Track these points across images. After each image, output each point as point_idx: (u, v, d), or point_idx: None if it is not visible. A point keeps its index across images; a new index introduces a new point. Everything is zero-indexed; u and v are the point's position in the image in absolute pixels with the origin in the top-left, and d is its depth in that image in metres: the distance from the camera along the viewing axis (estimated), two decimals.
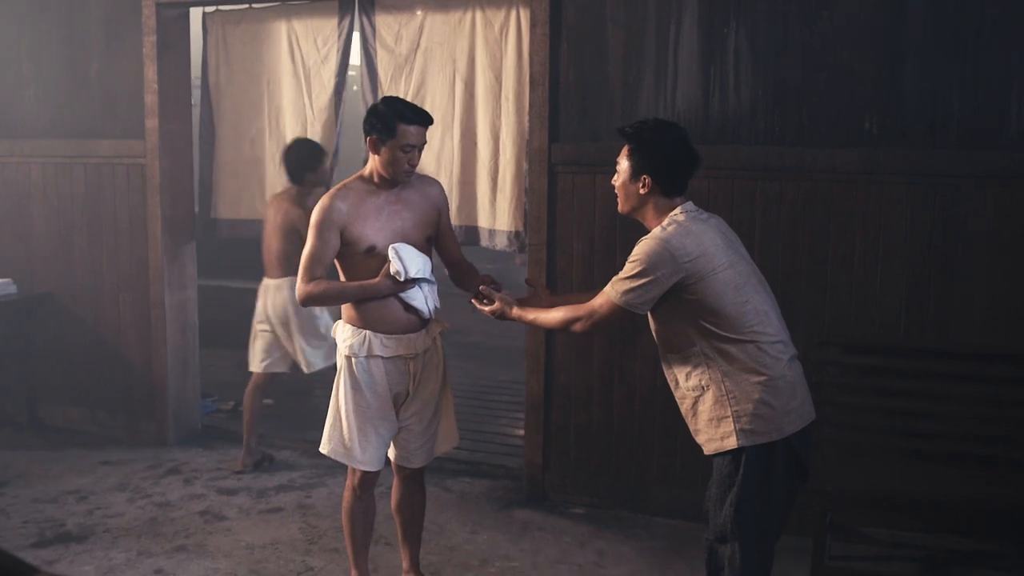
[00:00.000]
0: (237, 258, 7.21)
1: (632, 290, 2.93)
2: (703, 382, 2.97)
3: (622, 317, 3.03)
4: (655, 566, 4.04)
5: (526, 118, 4.69)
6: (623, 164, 3.08)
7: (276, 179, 5.28)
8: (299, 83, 5.24)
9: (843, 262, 4.17)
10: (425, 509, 3.80)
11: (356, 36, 5.12)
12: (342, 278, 3.49)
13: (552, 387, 4.71)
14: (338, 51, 5.13)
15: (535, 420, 4.75)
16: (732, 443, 2.92)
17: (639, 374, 4.55)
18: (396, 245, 3.37)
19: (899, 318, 4.11)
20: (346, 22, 5.09)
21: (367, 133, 3.37)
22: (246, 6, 5.30)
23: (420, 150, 3.40)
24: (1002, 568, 3.92)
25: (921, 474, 3.74)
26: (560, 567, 4.01)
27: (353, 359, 3.47)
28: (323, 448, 3.59)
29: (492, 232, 4.91)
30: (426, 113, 3.38)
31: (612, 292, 2.97)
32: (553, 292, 3.85)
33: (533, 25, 4.53)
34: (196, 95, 5.83)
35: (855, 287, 4.16)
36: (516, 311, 3.28)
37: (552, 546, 4.21)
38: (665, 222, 2.99)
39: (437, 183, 3.66)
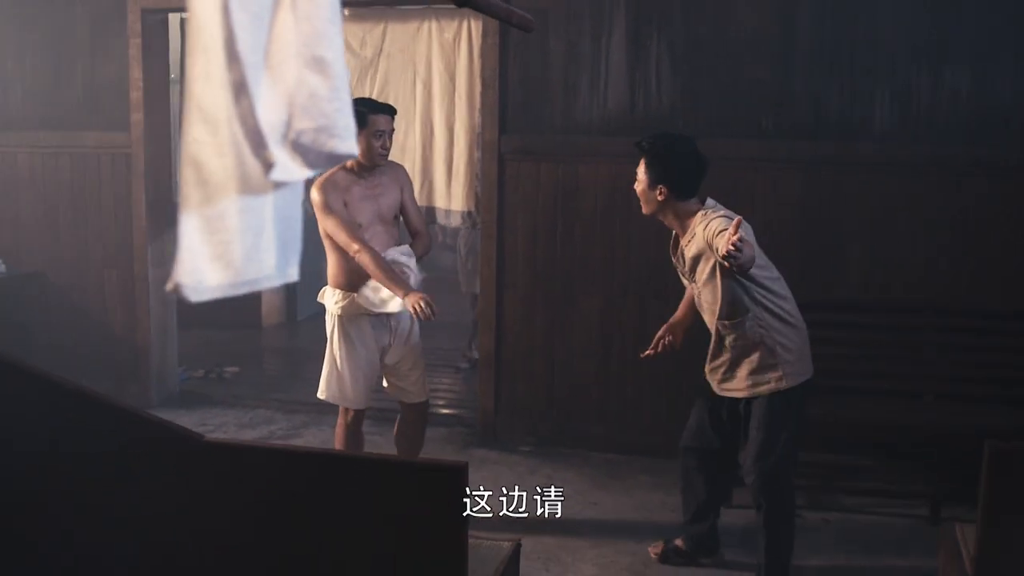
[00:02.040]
0: None
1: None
2: (753, 341, 3.61)
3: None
4: (595, 485, 4.95)
5: (477, 114, 5.54)
6: (641, 174, 3.69)
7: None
8: None
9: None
10: (422, 443, 4.55)
11: None
12: (330, 251, 4.23)
13: (502, 344, 5.57)
14: None
15: (488, 373, 5.61)
16: (784, 384, 3.61)
17: (577, 332, 5.43)
18: (400, 257, 4.19)
19: (796, 278, 5.08)
20: None
21: None
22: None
23: (390, 136, 4.17)
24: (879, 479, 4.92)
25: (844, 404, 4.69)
26: (519, 484, 4.87)
27: (345, 318, 4.24)
28: (320, 394, 4.36)
29: (448, 212, 5.75)
30: (390, 106, 4.23)
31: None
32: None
33: (484, 35, 5.38)
34: (173, 91, 6.51)
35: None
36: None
37: (507, 474, 5.06)
38: (701, 216, 3.60)
39: (401, 167, 4.44)
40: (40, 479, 2.63)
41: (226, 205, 2.11)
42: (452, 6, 3.90)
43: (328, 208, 4.12)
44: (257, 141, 2.09)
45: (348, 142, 2.23)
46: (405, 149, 5.77)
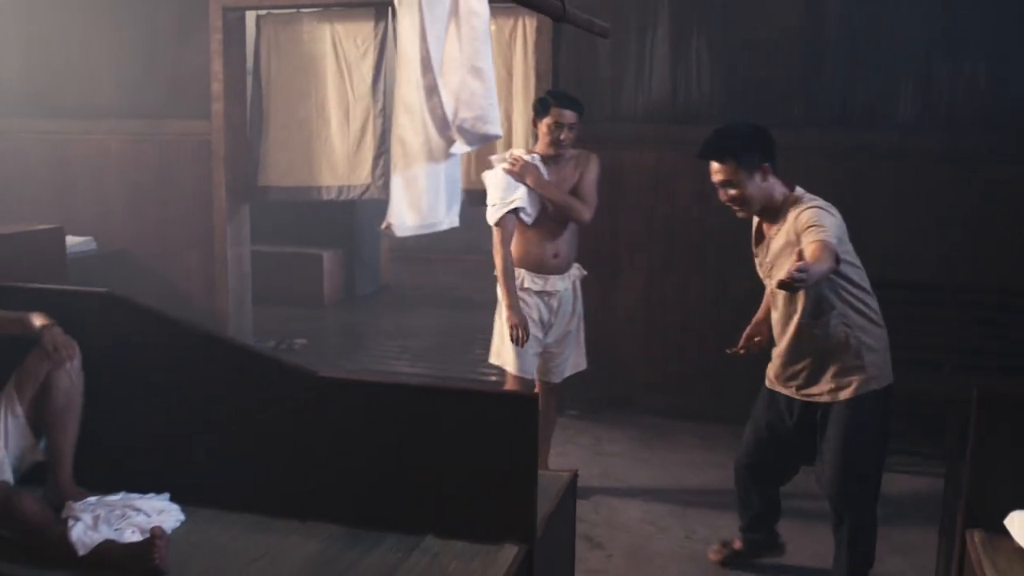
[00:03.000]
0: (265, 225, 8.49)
1: (835, 237, 3.23)
2: (838, 341, 3.41)
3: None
4: (641, 444, 5.46)
5: (531, 104, 6.04)
6: (730, 173, 3.45)
7: (321, 154, 6.57)
8: (341, 75, 6.53)
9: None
10: (555, 421, 4.86)
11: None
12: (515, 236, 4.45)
13: None
14: (375, 49, 6.44)
15: None
16: (870, 387, 3.44)
17: (622, 305, 5.94)
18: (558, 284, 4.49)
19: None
20: (381, 25, 6.39)
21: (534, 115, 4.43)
22: (294, 10, 6.57)
23: (571, 129, 4.35)
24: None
25: None
26: (568, 446, 5.40)
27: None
28: (491, 359, 4.64)
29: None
30: (576, 101, 4.40)
31: (819, 236, 3.19)
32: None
33: (539, 32, 5.89)
34: (249, 83, 7.07)
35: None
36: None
37: (559, 434, 5.58)
38: (793, 201, 3.44)
39: (592, 156, 4.55)
40: (174, 408, 3.20)
41: (418, 170, 3.13)
42: (510, 4, 4.46)
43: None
44: (443, 126, 3.11)
45: (495, 127, 3.56)
46: None
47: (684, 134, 5.60)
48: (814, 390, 3.54)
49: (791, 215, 3.40)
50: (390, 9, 6.33)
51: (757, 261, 3.65)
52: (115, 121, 6.88)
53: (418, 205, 2.98)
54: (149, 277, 6.94)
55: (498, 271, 4.37)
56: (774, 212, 3.50)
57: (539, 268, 4.48)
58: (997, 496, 3.10)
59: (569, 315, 4.59)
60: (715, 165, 3.50)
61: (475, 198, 6.28)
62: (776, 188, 3.52)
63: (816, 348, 3.48)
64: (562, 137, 4.37)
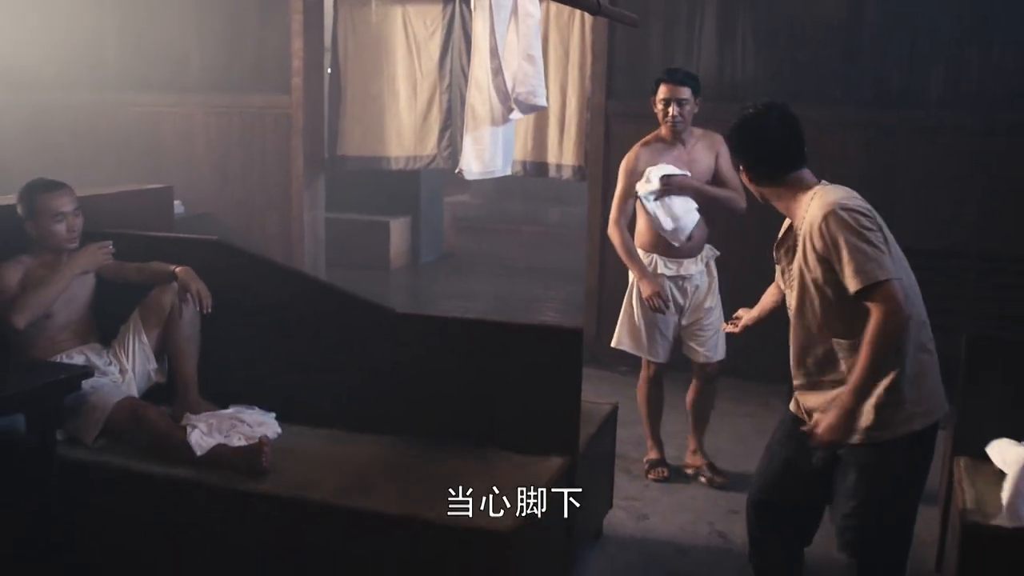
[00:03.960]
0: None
1: (879, 256, 2.73)
2: (889, 365, 2.81)
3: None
4: (679, 396, 5.95)
5: (587, 81, 6.57)
6: (691, 97, 3.73)
7: (391, 126, 7.17)
8: (411, 54, 7.11)
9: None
10: (713, 405, 4.87)
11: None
12: (639, 212, 4.51)
13: (604, 281, 6.62)
14: (442, 30, 7.00)
15: (591, 305, 6.68)
16: (908, 429, 2.85)
17: None
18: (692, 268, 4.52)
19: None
20: (449, 8, 6.95)
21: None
22: None
23: (680, 104, 4.35)
24: None
25: None
26: (614, 396, 5.94)
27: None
28: (614, 343, 4.78)
29: (559, 166, 6.81)
30: (678, 71, 4.45)
31: (870, 276, 2.69)
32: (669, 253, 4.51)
33: (595, 16, 6.40)
34: (325, 59, 7.68)
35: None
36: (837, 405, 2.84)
37: (608, 386, 6.12)
38: (814, 193, 2.90)
39: (717, 136, 4.48)
40: (274, 339, 3.82)
41: (484, 131, 4.08)
42: None
43: (623, 174, 4.51)
44: (504, 98, 4.10)
45: (543, 100, 4.43)
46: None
47: (731, 112, 6.09)
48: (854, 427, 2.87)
49: (810, 216, 2.87)
50: None
51: (778, 264, 3.15)
52: (203, 95, 7.53)
53: (482, 157, 3.69)
54: (232, 238, 7.56)
55: (619, 250, 4.49)
56: (795, 209, 2.98)
57: (672, 252, 4.52)
58: (982, 428, 3.61)
59: (705, 294, 4.60)
60: None
61: (533, 169, 6.85)
62: (783, 186, 3.00)
63: (845, 374, 2.88)
64: (672, 113, 4.38)
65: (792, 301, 3.03)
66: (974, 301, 5.79)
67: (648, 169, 4.43)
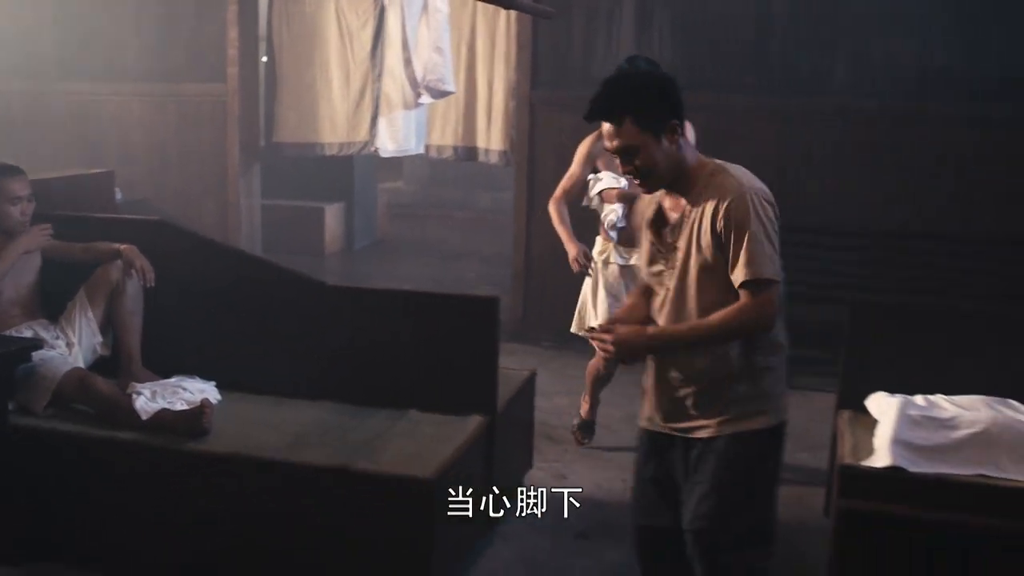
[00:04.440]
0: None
1: (774, 256, 2.66)
2: (742, 359, 2.74)
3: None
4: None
5: (512, 70, 6.90)
6: (633, 138, 2.65)
7: (325, 114, 7.45)
8: (344, 44, 7.38)
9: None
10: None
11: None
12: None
13: (530, 262, 6.97)
14: (374, 20, 7.26)
15: (518, 285, 7.03)
16: (768, 421, 2.78)
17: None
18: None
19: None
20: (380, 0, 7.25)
21: None
22: None
23: None
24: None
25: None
26: (540, 368, 6.31)
27: (600, 263, 4.89)
28: (574, 329, 5.09)
29: (487, 151, 7.14)
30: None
31: (763, 272, 2.60)
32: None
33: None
34: (260, 48, 7.92)
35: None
36: (652, 331, 2.77)
37: (533, 358, 6.48)
38: (711, 170, 2.73)
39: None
40: (213, 312, 4.11)
41: (396, 114, 4.54)
42: None
43: (575, 158, 4.94)
44: (414, 85, 4.52)
45: (451, 86, 5.26)
46: (450, 100, 7.17)
47: None
48: (698, 422, 2.81)
49: (712, 192, 2.68)
50: None
51: (649, 249, 2.88)
52: (139, 84, 7.74)
53: (396, 137, 4.04)
54: None
55: (553, 221, 4.90)
56: (684, 184, 2.74)
57: (625, 243, 4.80)
58: (863, 384, 4.01)
59: None
60: (609, 128, 2.70)
61: (464, 153, 7.17)
62: (688, 153, 2.76)
63: (711, 369, 2.76)
64: None
65: (670, 284, 2.78)
66: (875, 276, 6.22)
67: (590, 178, 4.87)
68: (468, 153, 7.22)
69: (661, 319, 2.82)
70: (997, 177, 6.11)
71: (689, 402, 2.83)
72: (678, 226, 2.77)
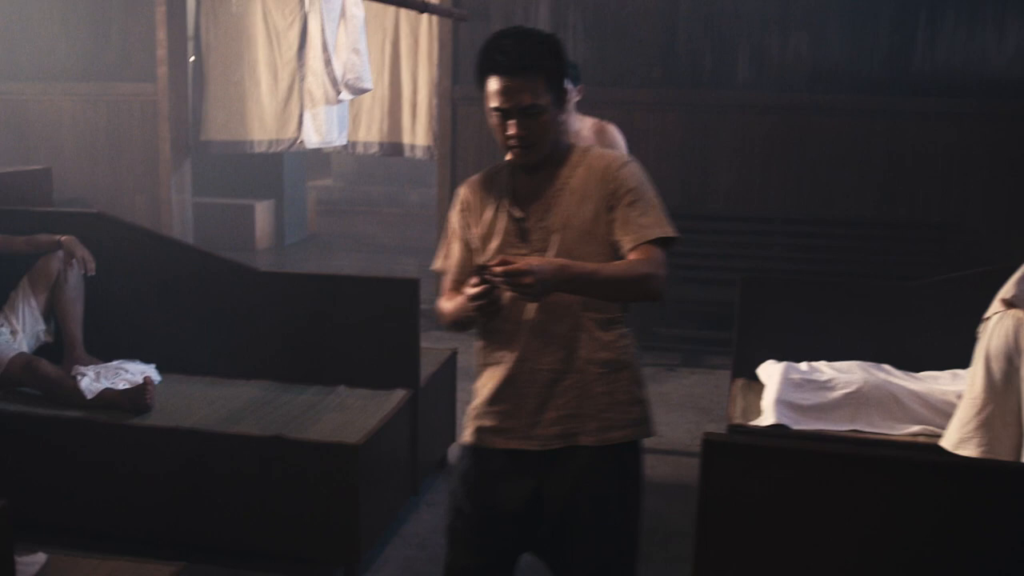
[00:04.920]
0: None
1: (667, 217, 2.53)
2: (623, 354, 2.56)
3: None
4: None
5: (435, 68, 7.24)
6: (542, 98, 2.42)
7: (254, 112, 7.71)
8: (271, 43, 7.64)
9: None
10: None
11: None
12: None
13: None
14: (300, 20, 7.55)
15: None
16: (647, 431, 2.61)
17: None
18: None
19: (677, 197, 6.80)
20: (306, 0, 7.53)
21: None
22: None
23: None
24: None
25: (684, 283, 6.50)
26: (463, 351, 6.65)
27: None
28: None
29: (413, 146, 7.46)
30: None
31: (660, 230, 2.48)
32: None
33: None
34: (189, 48, 8.15)
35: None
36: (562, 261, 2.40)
37: (457, 343, 6.81)
38: (586, 146, 2.65)
39: (609, 125, 4.50)
40: (151, 299, 4.39)
41: (319, 109, 4.84)
42: None
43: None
44: (334, 83, 4.75)
45: (368, 83, 5.41)
46: (375, 97, 7.48)
47: None
48: (575, 427, 2.54)
49: (595, 162, 2.56)
50: None
51: (501, 237, 2.57)
52: (70, 84, 7.93)
53: (320, 130, 4.37)
54: None
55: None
56: (558, 159, 2.57)
57: None
58: (754, 354, 4.41)
59: None
60: (512, 83, 2.41)
61: (390, 149, 7.49)
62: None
63: (589, 364, 2.53)
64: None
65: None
66: (779, 258, 6.66)
67: None
68: (393, 149, 7.54)
69: (524, 311, 2.51)
70: (881, 166, 6.59)
71: (574, 400, 2.55)
72: (548, 204, 2.54)
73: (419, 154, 7.48)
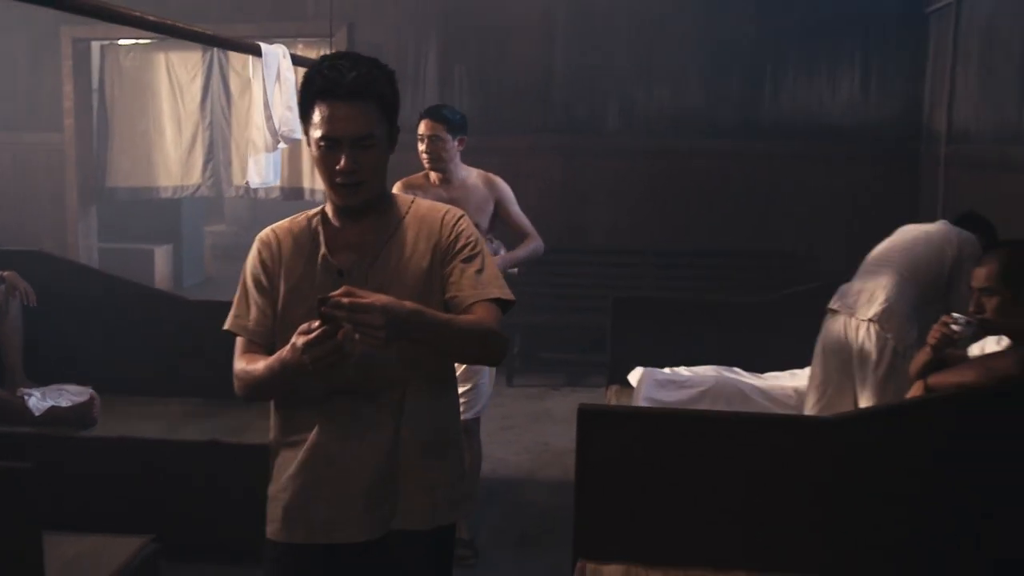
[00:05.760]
0: None
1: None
2: (452, 426, 2.40)
3: None
4: None
5: None
6: (375, 128, 2.23)
7: (158, 160, 8.20)
8: (174, 95, 8.17)
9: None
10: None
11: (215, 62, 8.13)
12: None
13: None
14: (203, 74, 8.11)
15: None
16: (471, 508, 2.53)
17: None
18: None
19: (558, 232, 7.54)
20: (208, 55, 8.08)
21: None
22: (134, 41, 8.18)
23: (431, 140, 4.37)
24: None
25: (566, 311, 7.22)
26: None
27: None
28: None
29: (312, 190, 8.05)
30: (432, 110, 4.45)
31: (499, 291, 2.30)
32: None
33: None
34: (94, 99, 8.61)
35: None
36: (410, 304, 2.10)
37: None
38: (412, 198, 2.44)
39: (495, 182, 4.63)
40: (86, 328, 4.90)
41: (260, 156, 5.19)
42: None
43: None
44: (274, 134, 5.20)
45: (300, 134, 5.63)
46: (235, 139, 8.02)
47: None
48: (421, 502, 2.32)
49: (425, 214, 2.38)
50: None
51: (291, 285, 2.35)
52: None
53: (261, 173, 5.00)
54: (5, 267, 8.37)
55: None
56: (383, 209, 2.36)
57: None
58: (625, 363, 5.13)
59: None
60: (347, 109, 2.20)
61: (291, 194, 8.07)
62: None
63: (434, 425, 2.35)
64: (423, 149, 4.42)
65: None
66: (650, 287, 7.44)
67: None
68: (295, 193, 8.12)
69: (338, 372, 2.11)
70: (736, 201, 7.46)
71: (399, 481, 2.29)
72: (374, 256, 2.31)
73: (319, 197, 8.07)
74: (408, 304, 2.09)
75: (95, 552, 3.35)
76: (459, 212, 2.41)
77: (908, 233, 4.14)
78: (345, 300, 1.98)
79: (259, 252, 2.39)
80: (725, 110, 7.43)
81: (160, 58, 8.18)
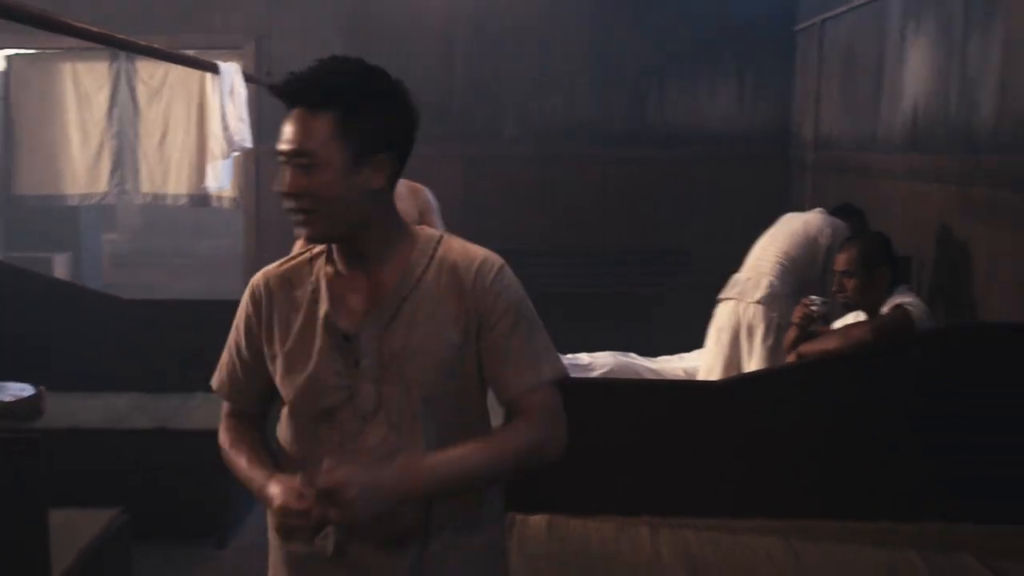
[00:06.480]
0: None
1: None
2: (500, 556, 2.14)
3: None
4: None
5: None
6: (319, 144, 1.88)
7: (65, 168, 8.42)
8: (80, 104, 8.40)
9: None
10: None
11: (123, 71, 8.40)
12: None
13: None
14: (110, 84, 8.36)
15: None
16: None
17: None
18: None
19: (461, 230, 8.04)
20: (116, 63, 8.34)
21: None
22: (40, 50, 8.39)
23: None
24: None
25: None
26: None
27: None
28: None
29: (220, 198, 8.37)
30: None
31: (552, 368, 1.98)
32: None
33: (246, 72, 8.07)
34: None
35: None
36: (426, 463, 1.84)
37: None
38: (440, 234, 2.05)
39: (423, 189, 5.17)
40: (29, 326, 5.22)
41: (217, 162, 5.75)
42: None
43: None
44: (230, 142, 5.71)
45: (249, 143, 6.10)
46: (183, 152, 8.32)
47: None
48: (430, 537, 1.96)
49: (449, 257, 2.01)
50: (122, 53, 8.32)
51: (288, 348, 1.99)
52: None
53: (217, 177, 5.42)
54: None
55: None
56: (393, 248, 1.99)
57: None
58: None
59: None
60: (295, 117, 1.96)
61: (199, 200, 8.39)
62: (395, 211, 2.05)
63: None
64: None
65: (367, 406, 1.92)
66: (550, 284, 7.97)
67: None
68: (203, 200, 8.41)
69: (343, 462, 1.79)
70: (626, 203, 8.08)
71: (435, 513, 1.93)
72: (389, 315, 1.93)
73: (226, 204, 8.38)
74: (387, 477, 1.75)
75: (67, 525, 3.71)
76: (498, 261, 2.00)
77: (788, 224, 4.83)
78: (322, 482, 1.72)
79: (246, 308, 2.01)
80: (613, 119, 8.04)
81: (66, 67, 8.41)
